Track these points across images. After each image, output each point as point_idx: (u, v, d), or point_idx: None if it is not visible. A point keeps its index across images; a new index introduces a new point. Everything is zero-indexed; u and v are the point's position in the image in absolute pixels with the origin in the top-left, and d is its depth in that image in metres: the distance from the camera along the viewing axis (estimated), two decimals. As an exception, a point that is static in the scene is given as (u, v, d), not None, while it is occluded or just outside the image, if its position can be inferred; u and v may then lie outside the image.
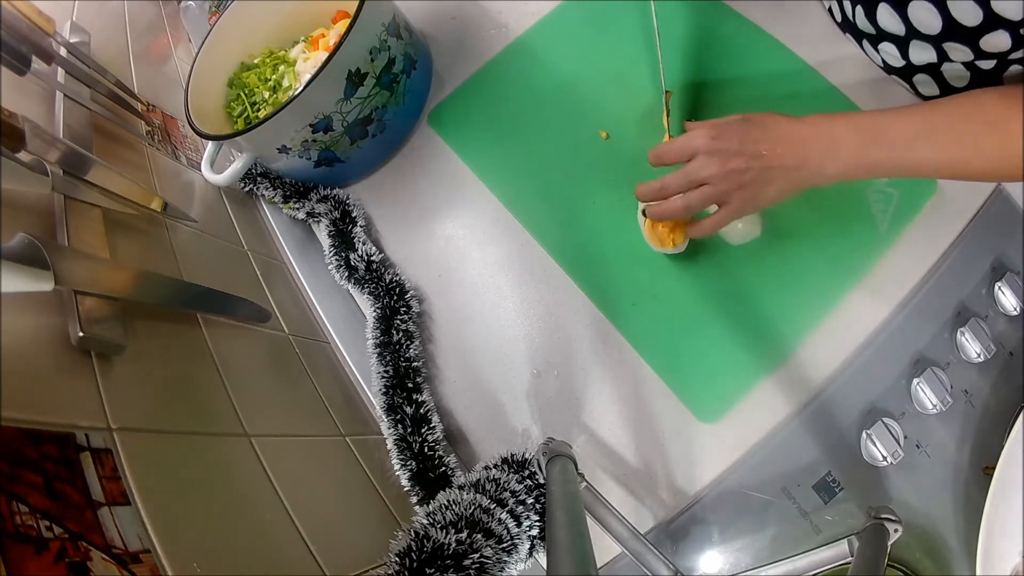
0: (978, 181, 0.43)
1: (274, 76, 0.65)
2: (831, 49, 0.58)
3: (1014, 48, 0.41)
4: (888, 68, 0.55)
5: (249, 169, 0.63)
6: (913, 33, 0.47)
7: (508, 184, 0.61)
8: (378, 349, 0.55)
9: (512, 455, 0.45)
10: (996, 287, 0.50)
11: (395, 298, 0.57)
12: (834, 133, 0.40)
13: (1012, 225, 0.52)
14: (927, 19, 0.44)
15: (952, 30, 0.43)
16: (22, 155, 0.38)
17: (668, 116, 0.53)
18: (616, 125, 0.60)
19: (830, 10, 0.59)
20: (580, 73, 0.64)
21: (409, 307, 0.57)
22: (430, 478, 0.50)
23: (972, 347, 0.48)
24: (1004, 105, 0.37)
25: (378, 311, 0.57)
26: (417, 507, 0.50)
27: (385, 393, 0.53)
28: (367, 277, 0.59)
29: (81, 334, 0.32)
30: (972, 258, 0.51)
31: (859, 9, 0.52)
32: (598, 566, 0.32)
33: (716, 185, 0.43)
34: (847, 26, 0.57)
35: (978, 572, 0.42)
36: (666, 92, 0.53)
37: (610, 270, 0.55)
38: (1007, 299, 0.49)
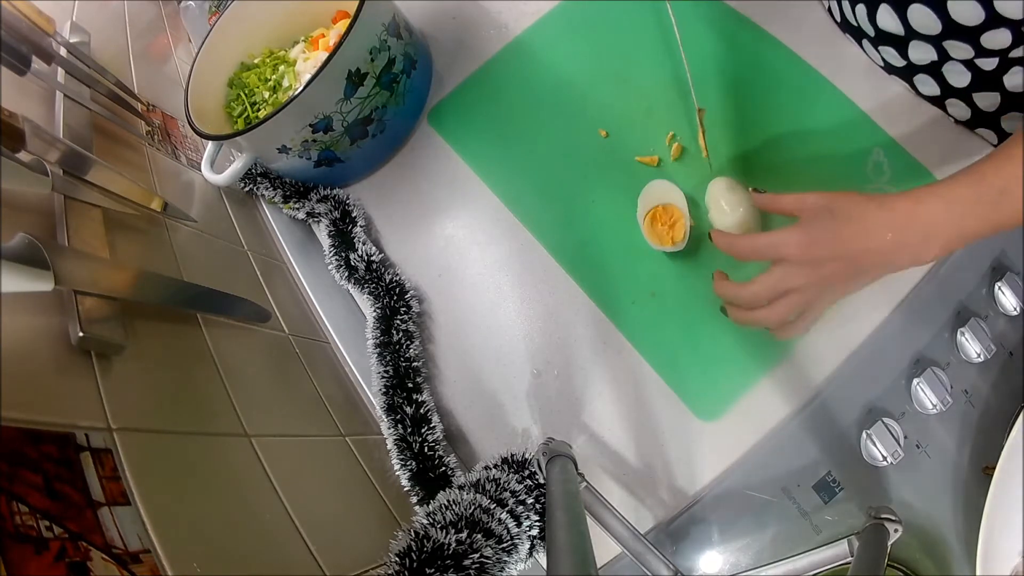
0: None
1: (274, 76, 0.65)
2: (831, 49, 0.58)
3: (1014, 45, 0.41)
4: (889, 68, 0.55)
5: (249, 169, 0.63)
6: (912, 34, 0.47)
7: (508, 183, 0.62)
8: (378, 349, 0.55)
9: (512, 455, 0.45)
10: (996, 287, 0.50)
11: (395, 298, 0.57)
12: (927, 217, 0.38)
13: (1012, 225, 0.52)
14: (927, 21, 0.44)
15: (952, 29, 0.43)
16: (22, 155, 0.38)
17: (704, 135, 0.51)
18: (616, 123, 0.60)
19: (829, 10, 0.59)
20: (579, 72, 0.64)
21: (409, 307, 0.57)
22: (430, 478, 0.50)
23: (972, 347, 0.48)
24: None
25: (378, 311, 0.57)
26: (417, 507, 0.50)
27: (385, 393, 0.53)
28: (367, 277, 0.59)
29: (81, 334, 0.32)
30: (972, 258, 0.51)
31: (860, 9, 0.52)
32: (598, 566, 0.32)
33: (807, 293, 0.40)
34: (846, 26, 0.57)
35: (978, 572, 0.42)
36: (699, 110, 0.52)
37: (610, 268, 0.55)
38: (1007, 299, 0.49)
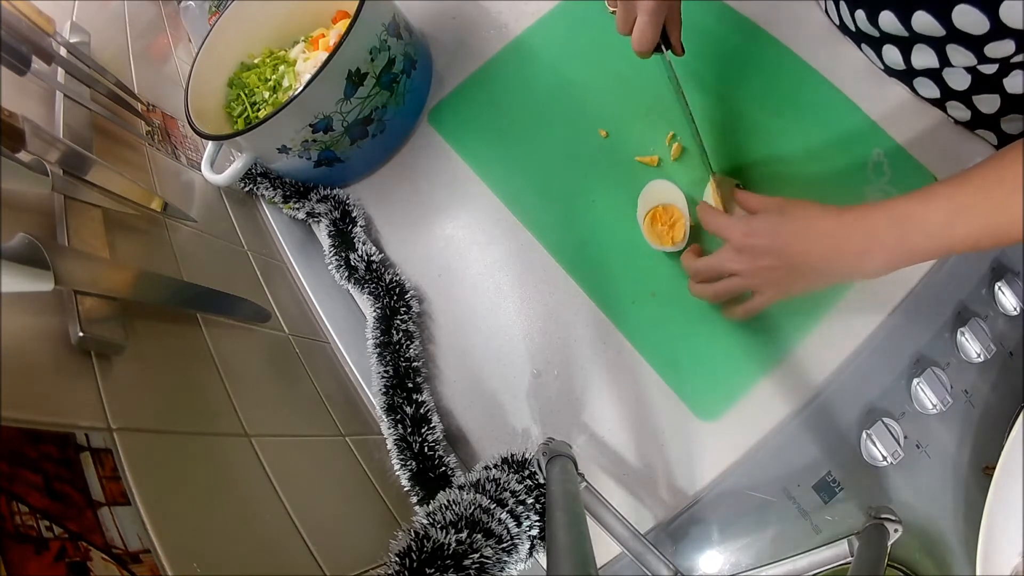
0: (1013, 245, 0.41)
1: (274, 76, 0.65)
2: (831, 50, 0.58)
3: (1017, 52, 0.41)
4: (889, 70, 0.55)
5: (249, 169, 0.63)
6: (917, 37, 0.47)
7: (508, 182, 0.62)
8: (378, 349, 0.55)
9: (512, 455, 0.45)
10: (996, 287, 0.50)
11: (395, 298, 0.57)
12: (870, 228, 0.39)
13: (1012, 225, 0.52)
14: (931, 26, 0.44)
15: (956, 35, 0.43)
16: (22, 155, 0.38)
17: (717, 193, 0.52)
18: (616, 123, 0.60)
19: (827, 12, 0.59)
20: (580, 72, 0.64)
21: (409, 307, 0.57)
22: (430, 478, 0.50)
23: (972, 347, 0.48)
24: None
25: (378, 311, 0.57)
26: (417, 507, 0.50)
27: (385, 393, 0.53)
28: (367, 277, 0.59)
29: (81, 334, 0.32)
30: (972, 258, 0.51)
31: (860, 13, 0.52)
32: (598, 566, 0.32)
33: (746, 278, 0.44)
34: (844, 29, 0.57)
35: (978, 572, 0.42)
36: (714, 176, 0.52)
37: (610, 268, 0.55)
38: (1007, 299, 0.49)
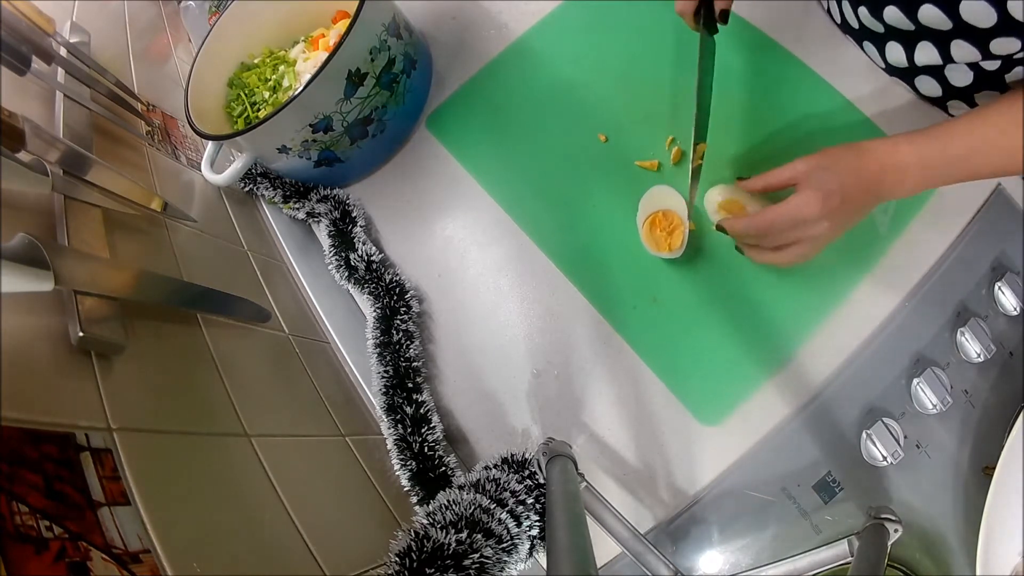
0: None
1: (274, 76, 0.65)
2: (831, 51, 0.58)
3: (1022, 50, 0.41)
4: (890, 69, 0.55)
5: (249, 169, 0.63)
6: (922, 31, 0.47)
7: (507, 188, 0.61)
8: (378, 349, 0.55)
9: (512, 455, 0.45)
10: (996, 287, 0.50)
11: (395, 298, 0.57)
12: (899, 160, 0.42)
13: (1012, 225, 0.52)
14: (938, 19, 0.44)
15: (962, 29, 0.44)
16: (22, 155, 0.38)
17: (697, 168, 0.50)
18: (615, 128, 0.60)
19: (828, 11, 0.59)
20: (579, 74, 0.64)
21: (409, 307, 0.57)
22: (430, 478, 0.50)
23: (972, 347, 0.48)
24: None
25: (378, 311, 0.57)
26: (417, 507, 0.50)
27: (385, 393, 0.53)
28: (367, 277, 0.59)
29: (81, 334, 0.32)
30: (972, 258, 0.51)
31: (863, 10, 0.52)
32: (598, 566, 0.32)
33: (820, 240, 0.44)
34: (847, 28, 0.57)
35: (978, 572, 0.42)
36: (698, 145, 0.50)
37: (610, 273, 0.55)
38: (1007, 299, 0.49)
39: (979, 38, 0.43)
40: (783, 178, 0.46)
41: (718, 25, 0.50)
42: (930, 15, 0.45)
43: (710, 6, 0.49)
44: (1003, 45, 0.42)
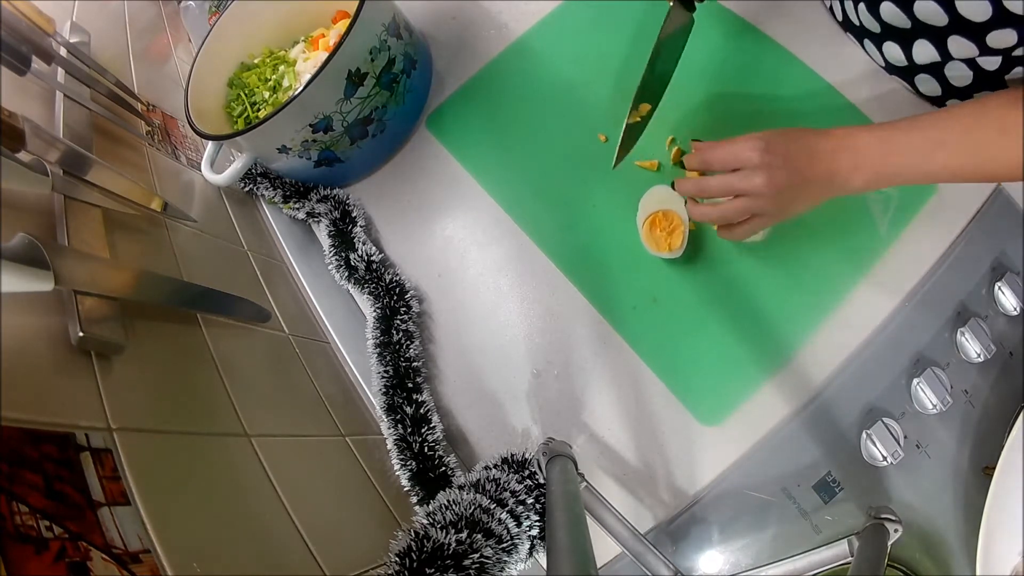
0: (993, 182, 0.46)
1: (274, 76, 0.65)
2: (830, 50, 0.58)
3: (1019, 44, 0.41)
4: (890, 67, 0.55)
5: (249, 169, 0.63)
6: (919, 27, 0.47)
7: (507, 188, 0.61)
8: (378, 349, 0.55)
9: (512, 455, 0.45)
10: (996, 287, 0.50)
11: (395, 298, 0.57)
12: (857, 146, 0.42)
13: (1012, 225, 0.52)
14: (933, 15, 0.44)
15: (959, 24, 0.44)
16: (22, 155, 0.38)
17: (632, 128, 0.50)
18: (615, 128, 0.60)
19: (831, 9, 0.59)
20: (579, 75, 0.63)
21: (409, 307, 0.57)
22: (430, 478, 0.50)
23: (972, 347, 0.48)
24: (1012, 110, 0.39)
25: (378, 311, 0.57)
26: (417, 507, 0.50)
27: (385, 393, 0.53)
28: (367, 277, 0.59)
29: (81, 334, 0.32)
30: (972, 258, 0.51)
31: (862, 7, 0.52)
32: (598, 566, 0.32)
33: (756, 198, 0.44)
34: (848, 25, 0.57)
35: (978, 572, 0.42)
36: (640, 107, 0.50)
37: (610, 273, 0.55)
38: (1007, 299, 0.49)
39: (976, 32, 0.43)
40: (736, 145, 0.45)
41: (695, 3, 0.50)
42: (926, 11, 0.45)
43: None
44: (1000, 38, 0.42)
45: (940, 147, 0.40)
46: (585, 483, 0.41)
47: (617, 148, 0.50)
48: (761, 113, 0.57)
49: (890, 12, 0.48)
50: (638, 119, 0.50)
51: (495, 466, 0.45)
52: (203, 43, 0.63)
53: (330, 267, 0.61)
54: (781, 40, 0.59)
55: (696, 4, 0.50)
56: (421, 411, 0.52)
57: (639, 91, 0.49)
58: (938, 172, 0.41)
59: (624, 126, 0.49)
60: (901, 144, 0.41)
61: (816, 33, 0.59)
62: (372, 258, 0.60)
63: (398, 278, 0.59)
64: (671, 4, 0.49)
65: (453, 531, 0.36)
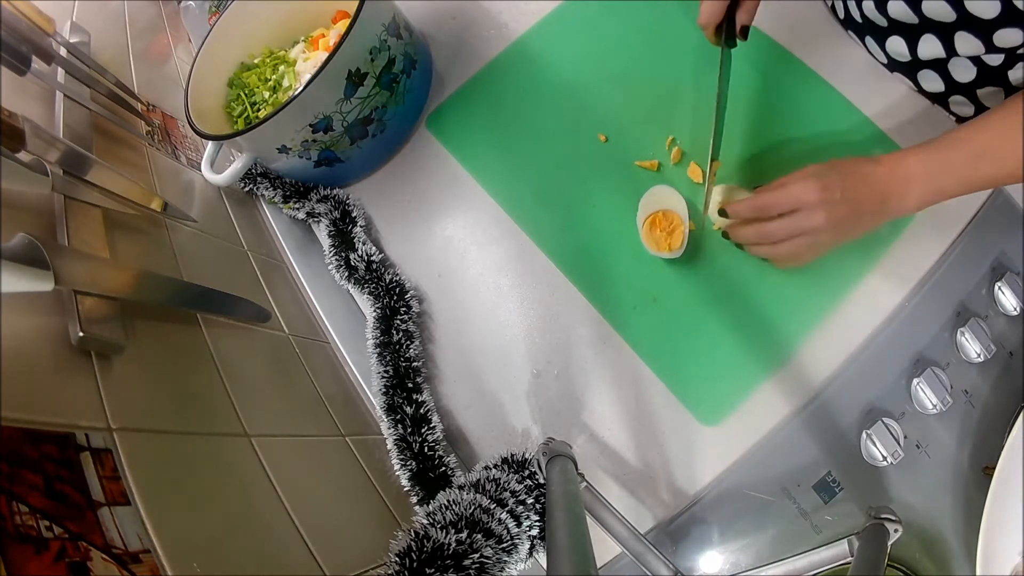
0: None
1: (274, 76, 0.65)
2: (830, 50, 0.58)
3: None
4: (892, 64, 0.54)
5: (249, 169, 0.63)
6: (926, 24, 0.47)
7: (507, 188, 0.61)
8: (378, 349, 0.55)
9: (512, 455, 0.45)
10: (996, 287, 0.50)
11: (395, 298, 0.57)
12: (906, 170, 0.43)
13: (1012, 225, 0.52)
14: (942, 12, 0.44)
15: (966, 21, 0.44)
16: (22, 155, 0.38)
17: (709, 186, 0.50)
18: (615, 128, 0.60)
19: (832, 8, 0.59)
20: (579, 75, 0.63)
21: (409, 307, 0.57)
22: (430, 478, 0.50)
23: (972, 347, 0.48)
24: None
25: (378, 311, 0.57)
26: (417, 507, 0.50)
27: (385, 393, 0.53)
28: (367, 277, 0.59)
29: (81, 334, 0.32)
30: (972, 258, 0.51)
31: (867, 3, 0.51)
32: (598, 566, 0.32)
33: (817, 234, 0.44)
34: (849, 23, 0.57)
35: (978, 572, 0.42)
36: (713, 162, 0.50)
37: (610, 274, 0.55)
38: (1007, 299, 0.49)
39: (983, 30, 0.43)
40: (791, 188, 0.45)
41: (737, 40, 0.50)
42: (935, 8, 0.45)
43: (732, 21, 0.49)
44: (1007, 37, 0.42)
45: (982, 159, 0.41)
46: (585, 483, 0.41)
47: (703, 211, 0.51)
48: (771, 120, 0.57)
49: (898, 9, 0.48)
50: (714, 179, 0.50)
51: (495, 466, 0.45)
52: (203, 43, 0.63)
53: (330, 267, 0.61)
54: (781, 41, 0.59)
55: (738, 41, 0.50)
56: (421, 411, 0.52)
57: (712, 152, 0.50)
58: (985, 181, 0.42)
59: (706, 190, 0.50)
60: (946, 163, 0.42)
61: (814, 34, 0.59)
62: (372, 258, 0.60)
63: (398, 278, 0.59)
64: (722, 48, 0.50)
65: (453, 531, 0.36)
